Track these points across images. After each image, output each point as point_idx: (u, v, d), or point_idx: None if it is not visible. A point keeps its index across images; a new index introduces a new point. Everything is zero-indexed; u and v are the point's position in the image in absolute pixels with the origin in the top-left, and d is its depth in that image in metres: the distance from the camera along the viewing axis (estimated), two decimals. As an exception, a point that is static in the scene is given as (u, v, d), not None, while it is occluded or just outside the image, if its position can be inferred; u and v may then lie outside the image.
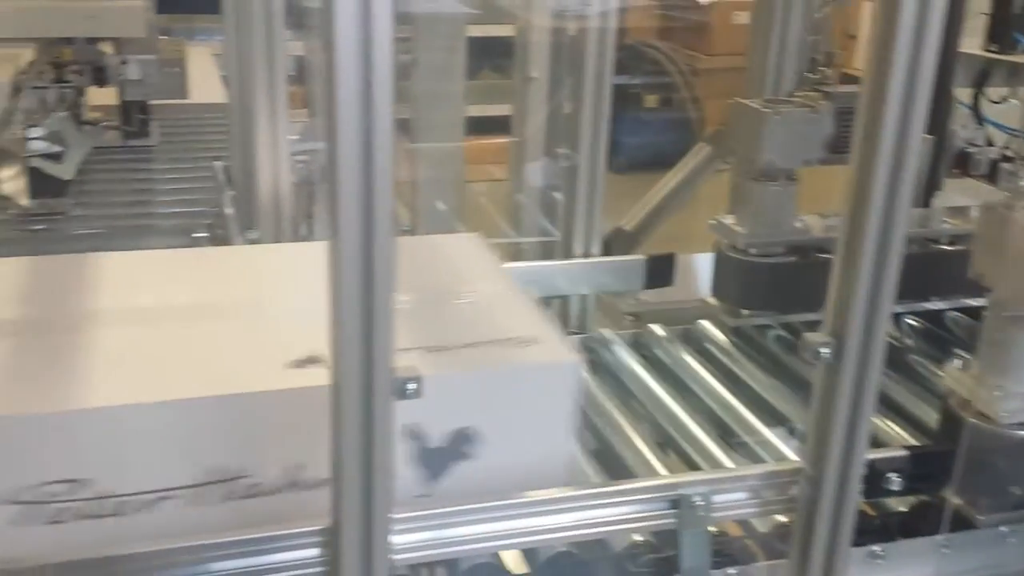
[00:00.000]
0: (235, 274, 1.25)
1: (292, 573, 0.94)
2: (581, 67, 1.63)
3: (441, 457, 1.08)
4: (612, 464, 1.29)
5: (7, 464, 0.93)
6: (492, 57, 3.29)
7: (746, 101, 1.48)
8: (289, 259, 1.30)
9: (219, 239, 1.75)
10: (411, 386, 0.85)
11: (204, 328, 1.10)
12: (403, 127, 2.43)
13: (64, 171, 1.99)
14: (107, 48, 2.33)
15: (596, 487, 1.15)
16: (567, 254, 1.71)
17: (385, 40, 0.75)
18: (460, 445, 1.08)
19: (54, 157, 1.96)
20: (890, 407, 1.40)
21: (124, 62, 2.37)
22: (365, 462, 0.87)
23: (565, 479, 1.08)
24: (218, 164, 1.88)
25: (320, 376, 0.88)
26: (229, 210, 1.61)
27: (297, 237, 1.56)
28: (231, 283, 1.22)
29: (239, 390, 0.99)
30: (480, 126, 2.27)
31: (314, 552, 0.93)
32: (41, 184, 1.95)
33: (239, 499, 1.01)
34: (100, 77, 2.33)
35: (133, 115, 2.37)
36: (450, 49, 2.00)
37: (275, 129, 1.46)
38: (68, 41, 2.32)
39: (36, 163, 1.95)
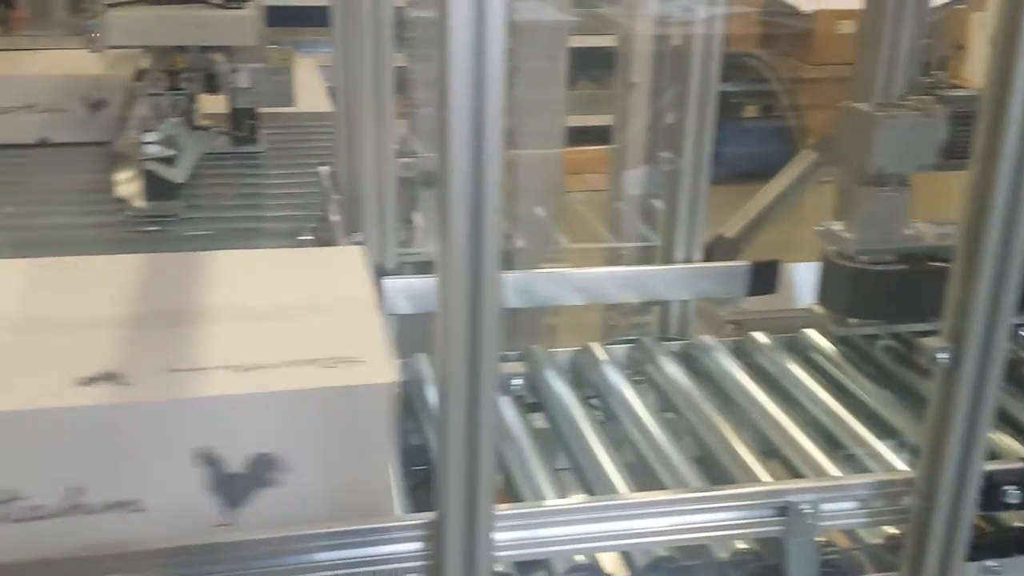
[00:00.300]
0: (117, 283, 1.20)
1: (395, 566, 0.95)
2: (685, 74, 1.61)
3: (242, 483, 1.00)
4: (714, 472, 1.27)
5: None
6: (590, 67, 3.29)
7: (857, 105, 1.44)
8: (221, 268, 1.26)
9: (324, 242, 1.78)
10: (516, 382, 0.89)
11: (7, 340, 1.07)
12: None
13: (176, 175, 2.05)
14: (218, 57, 2.40)
15: (701, 490, 1.14)
16: (667, 260, 1.69)
17: (497, 53, 0.77)
18: (262, 471, 1.00)
19: (167, 161, 2.03)
20: (1006, 420, 1.35)
21: (235, 70, 2.44)
22: (469, 456, 0.88)
23: (380, 508, 0.99)
24: (324, 169, 1.92)
25: (109, 394, 0.86)
26: (335, 216, 1.64)
27: (398, 241, 1.59)
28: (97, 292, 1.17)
29: (17, 407, 0.94)
30: (577, 136, 2.28)
31: (417, 546, 0.94)
32: (155, 187, 2.01)
33: (15, 522, 0.96)
34: (212, 85, 2.40)
35: (242, 122, 2.44)
36: (551, 58, 2.00)
37: (380, 137, 1.49)
38: (182, 49, 2.40)
39: (151, 167, 2.02)
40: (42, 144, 2.43)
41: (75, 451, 0.97)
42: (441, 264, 0.83)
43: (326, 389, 0.99)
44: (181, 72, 2.37)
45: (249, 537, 0.94)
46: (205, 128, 2.47)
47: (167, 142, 2.02)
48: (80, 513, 0.99)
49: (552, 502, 1.09)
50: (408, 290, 1.48)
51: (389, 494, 1.03)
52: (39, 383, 0.98)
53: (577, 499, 1.15)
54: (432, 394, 1.36)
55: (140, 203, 2.01)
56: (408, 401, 1.38)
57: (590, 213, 2.25)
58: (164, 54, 2.41)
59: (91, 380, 0.98)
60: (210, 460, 0.99)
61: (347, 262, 1.28)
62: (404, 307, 1.48)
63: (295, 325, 1.12)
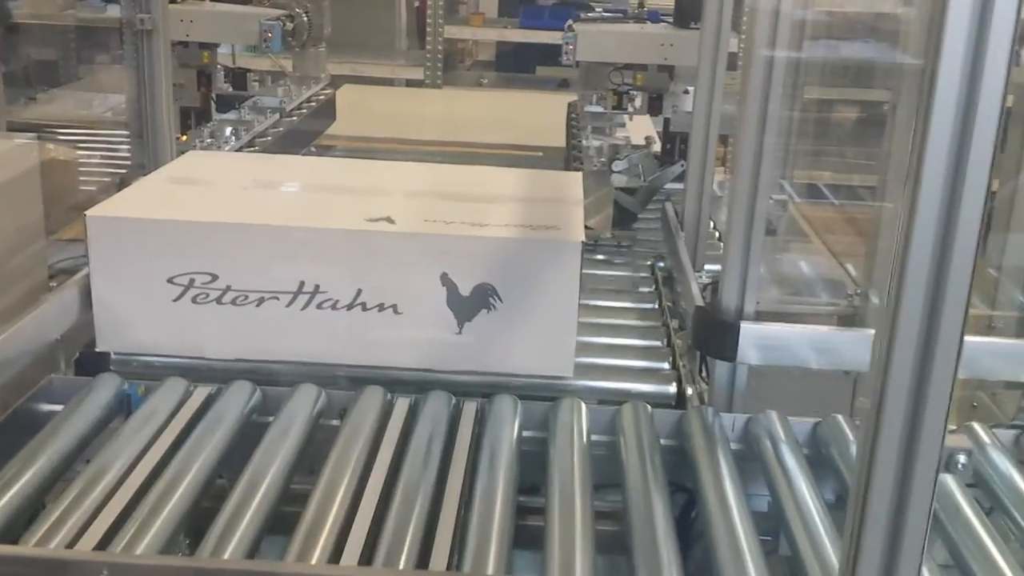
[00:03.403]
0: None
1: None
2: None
3: (470, 304, 1.54)
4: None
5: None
6: None
7: None
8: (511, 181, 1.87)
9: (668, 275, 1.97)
10: (962, 459, 0.77)
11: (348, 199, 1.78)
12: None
13: (636, 206, 2.19)
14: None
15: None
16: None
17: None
18: (485, 297, 1.53)
19: (628, 192, 2.16)
20: None
21: (686, 91, 2.59)
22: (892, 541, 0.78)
23: (563, 340, 1.54)
24: (668, 206, 2.04)
25: (385, 227, 1.55)
26: (684, 252, 1.75)
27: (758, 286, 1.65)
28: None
29: (328, 227, 1.58)
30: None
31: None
32: (620, 216, 2.18)
33: (318, 308, 1.56)
34: (654, 106, 2.59)
35: (675, 147, 2.60)
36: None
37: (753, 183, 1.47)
38: (643, 68, 2.60)
39: (616, 196, 2.19)
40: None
41: (361, 263, 1.55)
42: (888, 319, 0.74)
43: (532, 240, 1.55)
44: (628, 91, 2.59)
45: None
46: (671, 161, 2.57)
47: (631, 171, 2.17)
48: (359, 309, 1.55)
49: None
50: (762, 338, 1.47)
51: (573, 329, 1.55)
52: (343, 218, 1.61)
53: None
54: (788, 456, 1.37)
55: (608, 232, 2.16)
56: (760, 459, 1.39)
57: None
58: (615, 72, 2.64)
59: (375, 220, 1.59)
60: (449, 284, 1.53)
61: (570, 181, 1.90)
62: (753, 357, 1.47)
63: (520, 208, 1.72)
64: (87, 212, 1.58)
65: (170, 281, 1.55)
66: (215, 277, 1.54)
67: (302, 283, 1.54)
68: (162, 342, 1.58)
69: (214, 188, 1.80)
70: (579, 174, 1.98)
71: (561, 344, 1.55)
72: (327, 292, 1.54)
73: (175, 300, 1.55)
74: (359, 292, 1.54)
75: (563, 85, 5.16)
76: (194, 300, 1.55)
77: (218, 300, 1.55)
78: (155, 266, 1.55)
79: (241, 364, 1.59)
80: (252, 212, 1.64)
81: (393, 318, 1.55)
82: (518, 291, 1.53)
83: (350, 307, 1.55)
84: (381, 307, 1.55)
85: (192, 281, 1.54)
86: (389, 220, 1.58)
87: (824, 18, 2.06)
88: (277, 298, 1.55)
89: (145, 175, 2.10)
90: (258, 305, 1.55)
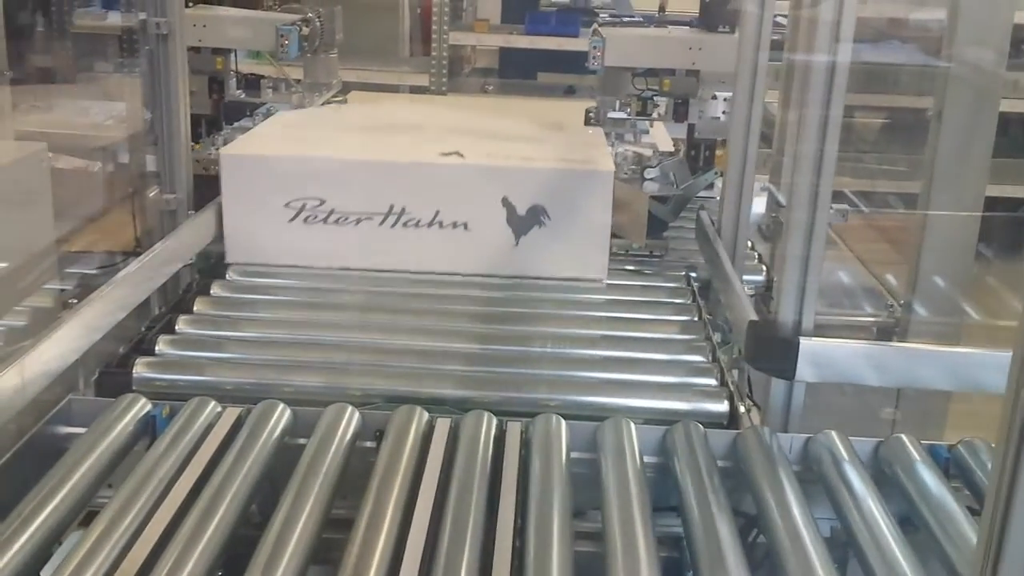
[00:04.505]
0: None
1: None
2: None
3: (524, 222, 1.98)
4: None
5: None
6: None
7: None
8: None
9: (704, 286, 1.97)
10: None
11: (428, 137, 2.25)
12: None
13: (669, 215, 2.12)
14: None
15: None
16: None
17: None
18: (535, 215, 1.96)
19: (660, 200, 2.10)
20: None
21: (714, 97, 2.52)
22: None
23: (597, 249, 2.00)
24: (704, 214, 1.99)
25: (455, 160, 2.03)
26: (725, 259, 1.70)
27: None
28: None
29: (409, 160, 2.05)
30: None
31: None
32: (652, 225, 2.11)
33: (403, 226, 1.99)
34: (679, 112, 2.52)
35: (700, 154, 2.53)
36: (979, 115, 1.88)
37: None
38: (670, 73, 2.52)
39: (650, 205, 2.11)
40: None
41: (438, 189, 2.00)
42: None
43: (574, 171, 2.02)
44: (654, 96, 2.52)
45: None
46: (707, 169, 2.50)
47: (664, 179, 2.10)
48: (437, 227, 1.98)
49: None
50: (821, 355, 1.41)
51: (606, 241, 2.00)
52: (423, 154, 2.07)
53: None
54: (854, 477, 1.31)
55: (637, 240, 2.12)
56: (823, 481, 1.34)
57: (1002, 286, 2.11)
58: (639, 76, 2.56)
59: (448, 154, 2.06)
60: (508, 205, 1.97)
61: (595, 133, 2.42)
62: (811, 374, 1.41)
63: (562, 146, 2.22)
64: (221, 150, 2.07)
65: (286, 205, 1.99)
66: (323, 201, 1.98)
67: (391, 206, 1.98)
68: (279, 254, 1.99)
69: (314, 132, 2.32)
70: (599, 129, 2.48)
71: (597, 253, 1.99)
72: (411, 213, 1.98)
73: (290, 221, 1.99)
74: (437, 212, 1.98)
75: (569, 91, 5.10)
76: (305, 220, 1.99)
77: (324, 220, 1.99)
78: (274, 193, 1.99)
79: (264, 384, 1.58)
80: (350, 149, 2.12)
81: (464, 233, 1.99)
82: (563, 211, 1.97)
83: (429, 225, 1.98)
84: (454, 224, 1.99)
85: (304, 205, 1.98)
86: (459, 154, 2.03)
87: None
88: (371, 218, 1.99)
89: (161, 184, 2.03)
90: (356, 224, 1.99)
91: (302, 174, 1.98)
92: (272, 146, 2.11)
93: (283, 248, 1.99)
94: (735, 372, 1.74)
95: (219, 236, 2.01)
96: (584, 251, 1.97)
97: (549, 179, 1.97)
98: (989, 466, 1.33)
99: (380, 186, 1.97)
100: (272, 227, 1.98)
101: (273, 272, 2.01)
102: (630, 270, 2.09)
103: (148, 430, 1.40)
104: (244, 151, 2.07)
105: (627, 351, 1.70)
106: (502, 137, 2.20)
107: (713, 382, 1.60)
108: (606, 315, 1.87)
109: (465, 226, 1.98)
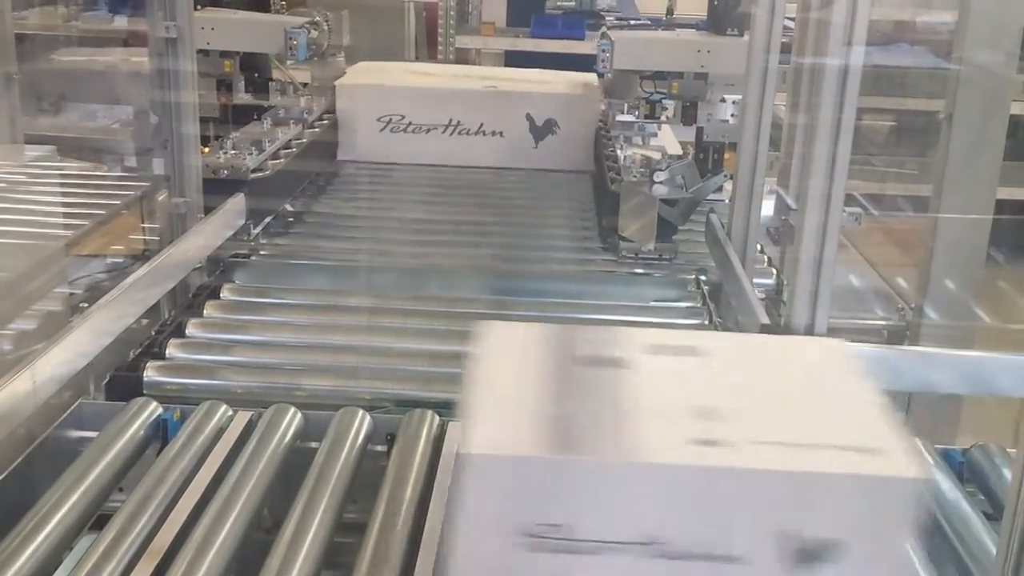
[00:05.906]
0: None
1: None
2: None
3: (542, 131, 2.96)
4: None
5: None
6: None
7: None
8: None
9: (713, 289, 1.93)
10: None
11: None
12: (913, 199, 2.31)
13: (679, 218, 2.09)
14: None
15: None
16: None
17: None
18: (550, 126, 2.93)
19: (670, 203, 2.10)
20: None
21: (722, 100, 2.51)
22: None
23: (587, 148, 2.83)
24: (713, 217, 1.97)
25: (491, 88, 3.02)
26: (736, 262, 1.69)
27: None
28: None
29: (462, 87, 3.10)
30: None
31: None
32: (661, 228, 2.08)
33: (457, 134, 2.92)
34: (688, 115, 2.52)
35: (709, 157, 2.52)
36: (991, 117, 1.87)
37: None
38: (679, 76, 2.52)
39: (659, 208, 2.08)
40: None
41: (482, 107, 2.95)
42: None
43: (574, 95, 2.98)
44: (661, 100, 2.51)
45: None
46: (715, 172, 2.48)
47: (672, 183, 2.07)
48: (481, 135, 2.95)
49: None
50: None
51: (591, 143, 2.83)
52: (471, 83, 3.15)
53: None
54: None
55: (648, 244, 2.09)
56: None
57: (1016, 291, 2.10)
58: (646, 79, 2.56)
59: (487, 87, 3.05)
60: (530, 119, 2.93)
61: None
62: None
63: (566, 79, 3.12)
64: (336, 81, 2.96)
65: (378, 120, 2.89)
66: (403, 116, 2.89)
67: (450, 119, 2.88)
68: (373, 153, 2.90)
69: (396, 73, 3.22)
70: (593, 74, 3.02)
71: (585, 153, 2.86)
72: (464, 125, 2.89)
73: (380, 131, 2.89)
74: (481, 124, 2.89)
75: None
76: (391, 130, 2.90)
77: (404, 130, 2.90)
78: (370, 111, 2.90)
79: (274, 387, 1.58)
80: (424, 81, 3.08)
81: (500, 139, 2.90)
82: (568, 123, 2.85)
83: (476, 132, 2.89)
84: (493, 132, 2.89)
85: (391, 119, 2.89)
86: (494, 87, 2.96)
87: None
88: (436, 128, 2.89)
89: (171, 187, 2.03)
90: (427, 132, 2.90)
91: (391, 97, 2.90)
92: (367, 79, 3.06)
93: (375, 149, 2.89)
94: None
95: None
96: (580, 152, 2.86)
97: (558, 99, 2.91)
98: (1004, 471, 1.32)
99: (442, 106, 2.87)
100: (368, 133, 2.90)
101: (280, 274, 2.02)
102: (640, 273, 2.08)
103: (159, 434, 1.40)
104: (353, 81, 3.00)
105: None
106: (522, 79, 3.11)
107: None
108: (616, 318, 1.86)
109: (501, 134, 2.89)
